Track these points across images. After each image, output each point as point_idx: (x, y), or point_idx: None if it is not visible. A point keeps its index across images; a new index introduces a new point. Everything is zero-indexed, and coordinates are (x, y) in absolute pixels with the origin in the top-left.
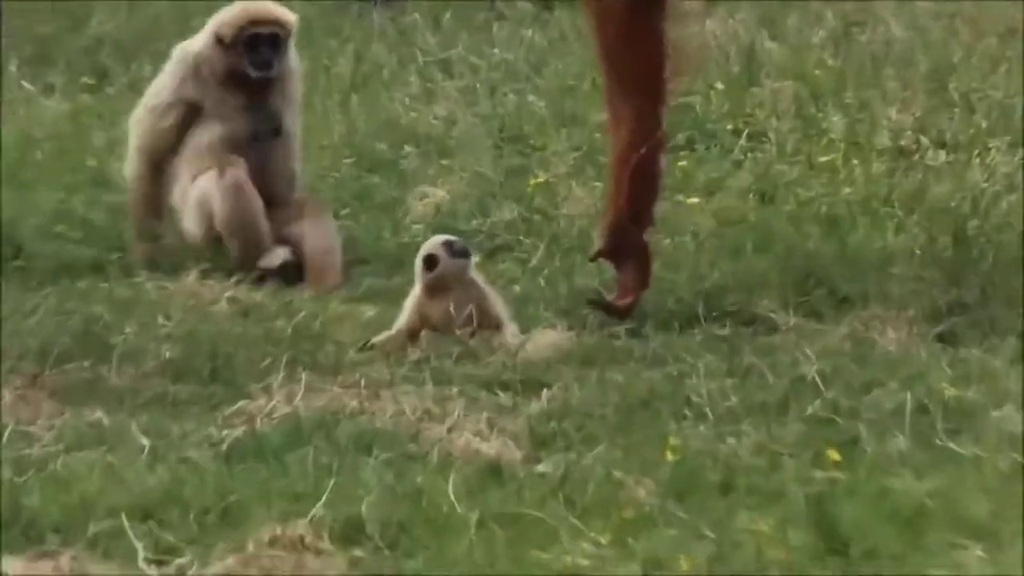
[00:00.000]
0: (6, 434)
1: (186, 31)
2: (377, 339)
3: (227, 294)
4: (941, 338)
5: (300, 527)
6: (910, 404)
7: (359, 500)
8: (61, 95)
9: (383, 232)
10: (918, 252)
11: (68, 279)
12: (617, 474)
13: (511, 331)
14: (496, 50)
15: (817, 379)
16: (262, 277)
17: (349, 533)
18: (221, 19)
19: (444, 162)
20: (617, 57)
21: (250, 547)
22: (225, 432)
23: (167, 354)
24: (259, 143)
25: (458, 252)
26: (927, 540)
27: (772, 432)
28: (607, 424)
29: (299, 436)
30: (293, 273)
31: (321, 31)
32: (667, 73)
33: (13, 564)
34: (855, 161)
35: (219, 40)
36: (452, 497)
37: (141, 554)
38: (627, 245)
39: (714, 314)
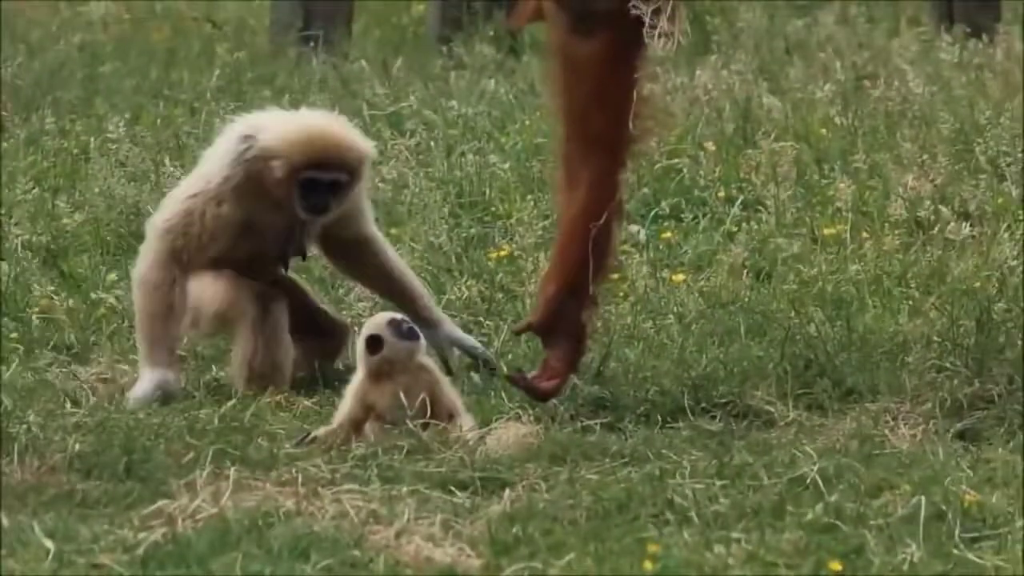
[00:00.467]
0: None
1: (96, 77)
2: (317, 432)
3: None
4: (962, 436)
5: None
6: (924, 510)
7: None
8: None
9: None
10: (936, 338)
11: None
12: None
13: (467, 423)
14: (454, 103)
15: (818, 480)
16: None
17: None
18: (275, 145)
19: (393, 231)
20: (585, 116)
21: None
22: (142, 535)
23: (76, 446)
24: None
25: (405, 333)
26: None
27: (766, 540)
28: (578, 529)
29: (226, 540)
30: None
31: (252, 80)
32: (632, 134)
33: None
34: (865, 234)
35: (270, 170)
36: None
37: None
38: (562, 321)
39: (702, 406)
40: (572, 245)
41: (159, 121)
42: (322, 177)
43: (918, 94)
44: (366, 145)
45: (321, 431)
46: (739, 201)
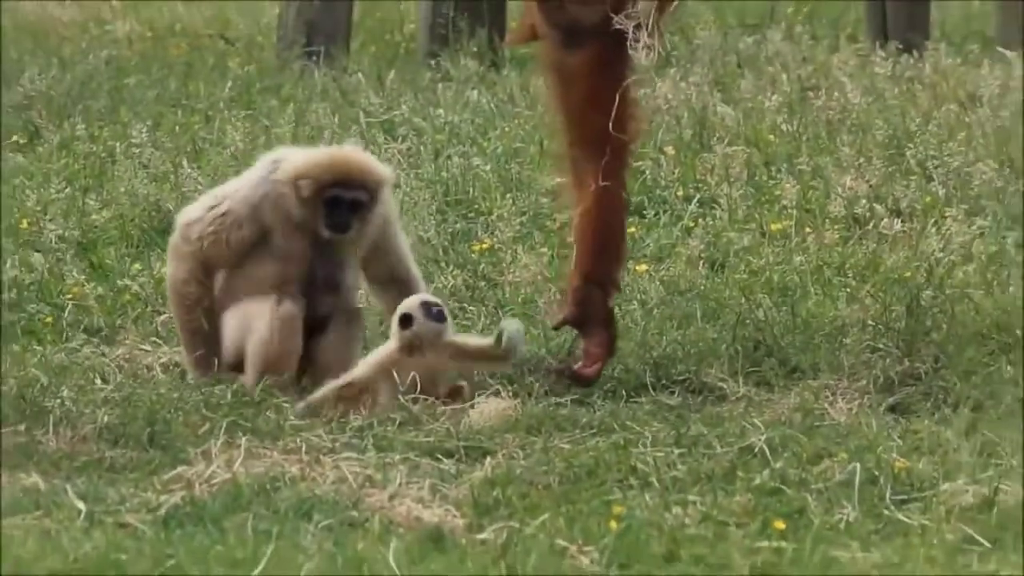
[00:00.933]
0: None
1: (121, 88)
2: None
3: (163, 359)
4: (893, 409)
5: None
6: (859, 475)
7: (298, 567)
8: None
9: None
10: (871, 322)
11: (2, 343)
12: (561, 543)
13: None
14: (441, 112)
15: (765, 449)
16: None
17: None
18: (302, 166)
19: None
20: (582, 119)
21: None
22: (163, 497)
23: (104, 418)
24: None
25: (435, 315)
26: None
27: (718, 502)
28: (551, 492)
29: (238, 502)
30: None
31: (261, 91)
32: (630, 134)
33: None
34: (808, 229)
35: (296, 190)
36: (393, 565)
37: None
38: (593, 312)
39: (662, 382)
40: (590, 239)
41: (178, 128)
42: (345, 195)
43: (856, 104)
44: (385, 170)
45: (315, 396)
46: (696, 199)
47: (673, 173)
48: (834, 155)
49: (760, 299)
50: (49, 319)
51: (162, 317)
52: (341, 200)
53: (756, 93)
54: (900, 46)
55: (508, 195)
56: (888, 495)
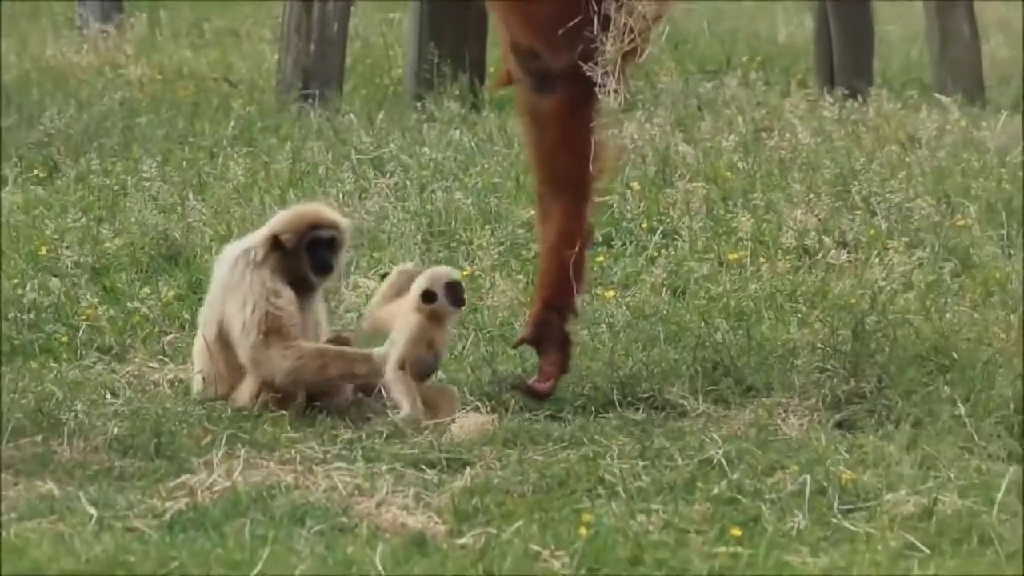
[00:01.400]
0: None
1: (133, 127)
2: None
3: (169, 376)
4: (840, 425)
5: None
6: (809, 486)
7: (292, 569)
8: (13, 187)
9: None
10: (820, 345)
11: (21, 360)
12: (534, 547)
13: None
14: (426, 149)
15: (723, 461)
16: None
17: None
18: (280, 224)
19: (376, 255)
20: (552, 159)
21: None
22: (168, 504)
23: (114, 430)
24: None
25: (457, 300)
26: None
27: (680, 510)
28: (525, 501)
29: (237, 508)
30: None
31: (261, 130)
32: (594, 173)
33: None
34: (762, 259)
35: (279, 245)
36: (380, 567)
37: None
38: (550, 334)
39: (628, 399)
40: (551, 270)
41: (184, 163)
42: (323, 235)
43: (805, 144)
44: (343, 218)
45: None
46: (659, 231)
47: (638, 207)
48: (786, 191)
49: (718, 323)
50: (65, 338)
51: (168, 337)
52: (321, 240)
53: (714, 134)
54: (846, 92)
55: (487, 226)
56: (836, 505)
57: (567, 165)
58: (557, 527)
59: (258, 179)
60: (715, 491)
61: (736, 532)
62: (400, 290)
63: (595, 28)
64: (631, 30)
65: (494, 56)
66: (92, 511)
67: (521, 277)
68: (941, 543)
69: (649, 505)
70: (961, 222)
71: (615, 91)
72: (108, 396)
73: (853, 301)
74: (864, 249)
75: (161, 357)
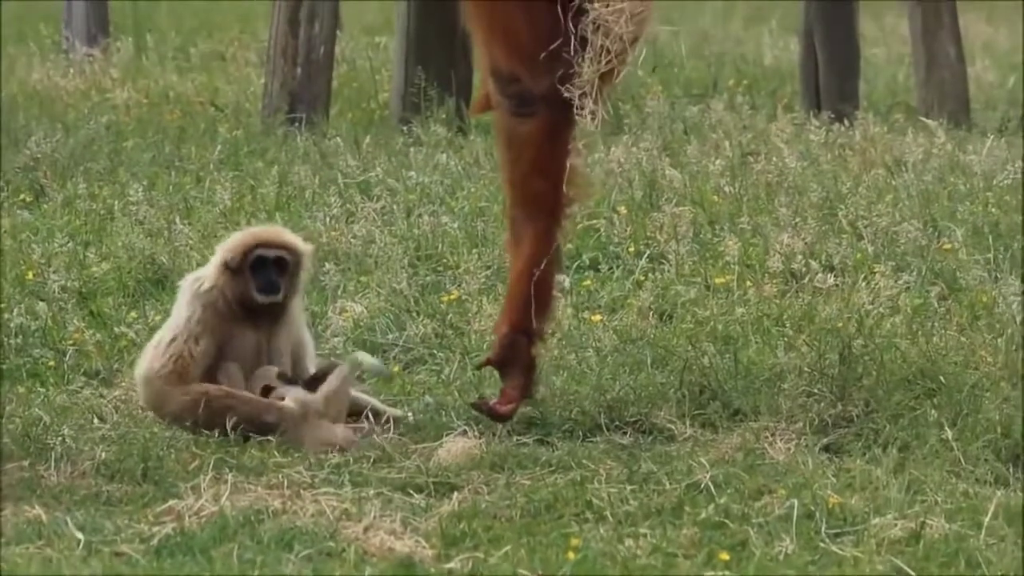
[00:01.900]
0: None
1: (120, 151)
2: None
3: None
4: (827, 449)
5: None
6: (797, 510)
7: None
8: (1, 211)
9: None
10: (807, 369)
11: (8, 385)
12: (522, 572)
13: None
14: (412, 173)
15: (710, 486)
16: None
17: None
18: (228, 245)
19: (363, 279)
20: (526, 183)
21: None
22: (155, 528)
23: (102, 455)
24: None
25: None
26: None
27: (668, 534)
28: (513, 525)
29: (225, 533)
30: None
31: (248, 154)
32: (567, 197)
33: None
34: (749, 283)
35: (227, 266)
36: None
37: None
38: (516, 357)
39: (615, 424)
40: (519, 293)
41: (171, 187)
42: (268, 254)
43: (792, 168)
44: (303, 243)
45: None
46: (646, 255)
47: (625, 231)
48: (772, 215)
49: (705, 347)
50: (52, 363)
51: None
52: (265, 260)
53: (701, 158)
54: (832, 115)
55: (474, 250)
56: (823, 529)
57: (541, 189)
58: (545, 551)
59: (245, 203)
60: (703, 515)
61: (724, 556)
62: None
63: (571, 50)
64: (608, 52)
65: (481, 80)
66: (80, 536)
67: None
68: (929, 567)
69: (637, 529)
70: (948, 246)
71: (593, 113)
72: (95, 421)
73: (840, 325)
74: (851, 273)
75: None
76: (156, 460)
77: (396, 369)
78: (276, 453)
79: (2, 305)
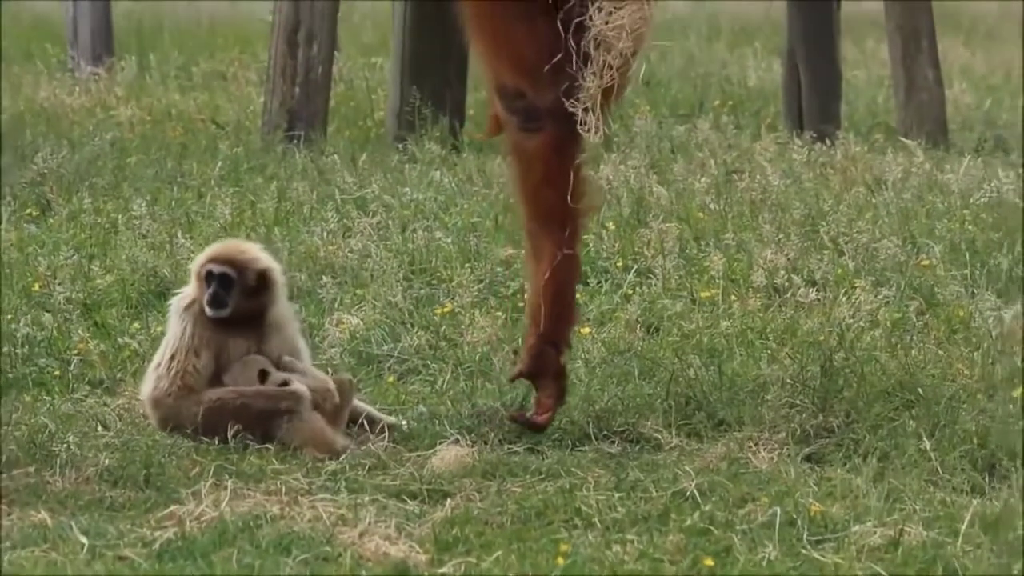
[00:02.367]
0: None
1: (123, 167)
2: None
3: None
4: (809, 458)
5: None
6: (779, 517)
7: None
8: (7, 224)
9: None
10: (789, 381)
11: (14, 393)
12: None
13: None
14: (407, 190)
15: (696, 493)
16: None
17: None
18: (197, 259)
19: (359, 291)
20: (539, 197)
21: None
22: (157, 533)
23: (105, 462)
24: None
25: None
26: None
27: (654, 541)
28: (504, 531)
29: (225, 538)
30: None
31: (248, 170)
32: (580, 208)
33: None
34: (733, 297)
35: (195, 277)
36: None
37: None
38: (546, 367)
39: (604, 433)
40: (545, 303)
41: (173, 202)
42: (214, 269)
43: (775, 186)
44: (267, 260)
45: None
46: (634, 269)
47: (614, 246)
48: (756, 231)
49: (691, 359)
50: (57, 372)
51: None
52: (212, 275)
53: (687, 176)
54: (814, 135)
55: (467, 264)
56: (805, 536)
57: (554, 201)
58: (535, 557)
59: (245, 218)
60: (688, 522)
61: (709, 562)
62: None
63: (573, 65)
64: (610, 67)
65: (474, 99)
66: (84, 540)
67: (500, 314)
68: (907, 573)
69: (624, 536)
70: (926, 262)
71: (596, 127)
72: (99, 428)
73: (821, 338)
74: (832, 288)
75: None
76: (158, 467)
77: (391, 379)
78: (274, 460)
79: (8, 316)
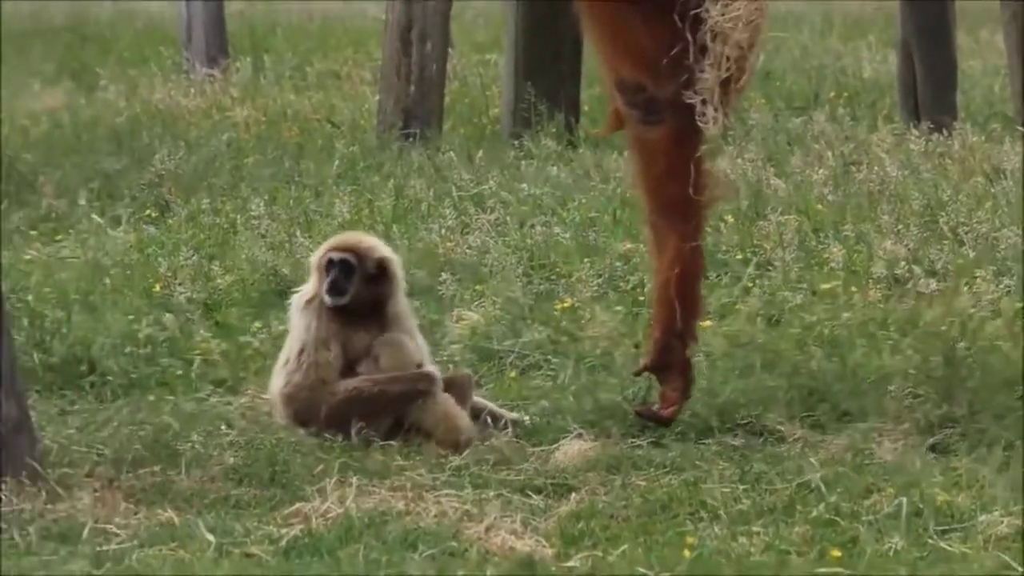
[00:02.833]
0: (86, 531)
1: (241, 167)
2: None
3: None
4: (933, 449)
5: None
6: (905, 508)
7: None
8: (127, 226)
9: None
10: (912, 371)
11: (138, 393)
12: (640, 570)
13: None
14: (524, 185)
15: (820, 485)
16: None
17: None
18: (316, 252)
19: (478, 287)
20: (662, 190)
21: None
22: (283, 530)
23: (230, 460)
24: None
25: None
26: None
27: (780, 532)
28: (630, 524)
29: (351, 534)
30: None
31: (364, 168)
32: (703, 200)
33: None
34: (854, 288)
35: (315, 269)
36: None
37: None
38: (672, 360)
39: (727, 426)
40: (668, 297)
41: (291, 201)
42: (334, 257)
43: (893, 177)
44: (387, 250)
45: None
46: (753, 262)
47: (733, 239)
48: (875, 222)
49: (813, 351)
50: (180, 372)
51: None
52: (332, 262)
53: (805, 168)
54: (931, 125)
55: (586, 259)
56: (931, 526)
57: (677, 194)
58: (661, 550)
59: (363, 216)
60: (814, 513)
61: (836, 553)
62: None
63: (691, 57)
64: (727, 59)
65: (589, 95)
66: (211, 538)
67: (620, 308)
68: None
69: (750, 528)
70: None
71: (715, 119)
72: (223, 427)
73: (943, 329)
74: (953, 278)
75: None
76: (283, 464)
77: (512, 375)
78: (398, 456)
79: (130, 316)
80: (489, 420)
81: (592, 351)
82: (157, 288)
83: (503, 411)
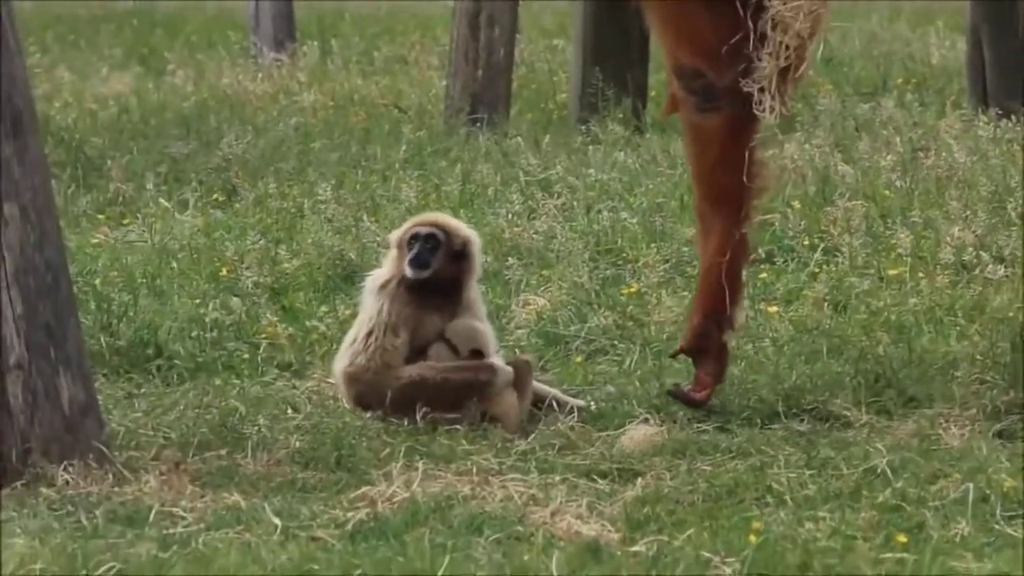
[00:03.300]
0: (152, 514)
1: (308, 151)
2: None
3: None
4: (1000, 435)
5: None
6: (972, 493)
7: None
8: (194, 210)
9: None
10: (979, 357)
11: (205, 377)
12: (705, 555)
13: None
14: (591, 171)
15: (887, 470)
16: None
17: None
18: (397, 231)
19: (545, 272)
20: (713, 177)
21: None
22: (349, 514)
23: (296, 444)
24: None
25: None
26: None
27: (846, 517)
28: (696, 509)
29: (417, 518)
30: None
31: (431, 153)
32: (753, 191)
33: None
34: (921, 274)
35: (395, 247)
36: (556, 574)
37: None
38: (708, 345)
39: (793, 411)
40: (710, 283)
41: (358, 186)
42: (421, 231)
43: (961, 163)
44: (471, 231)
45: None
46: (820, 248)
47: (800, 225)
48: (943, 208)
49: (879, 337)
50: (246, 356)
51: None
52: (418, 236)
53: (872, 153)
54: (999, 112)
55: (652, 244)
56: (999, 511)
57: (728, 183)
58: (727, 535)
59: (430, 200)
60: (880, 499)
61: (902, 539)
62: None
63: (751, 45)
64: (787, 48)
65: (656, 80)
66: (277, 521)
67: (686, 294)
68: None
69: (816, 513)
70: None
71: (772, 108)
72: (289, 411)
73: (1011, 314)
74: (1021, 264)
75: None
76: (349, 448)
77: (578, 360)
78: (464, 441)
79: (197, 300)
80: (554, 405)
81: (658, 336)
82: (224, 272)
83: (567, 397)
